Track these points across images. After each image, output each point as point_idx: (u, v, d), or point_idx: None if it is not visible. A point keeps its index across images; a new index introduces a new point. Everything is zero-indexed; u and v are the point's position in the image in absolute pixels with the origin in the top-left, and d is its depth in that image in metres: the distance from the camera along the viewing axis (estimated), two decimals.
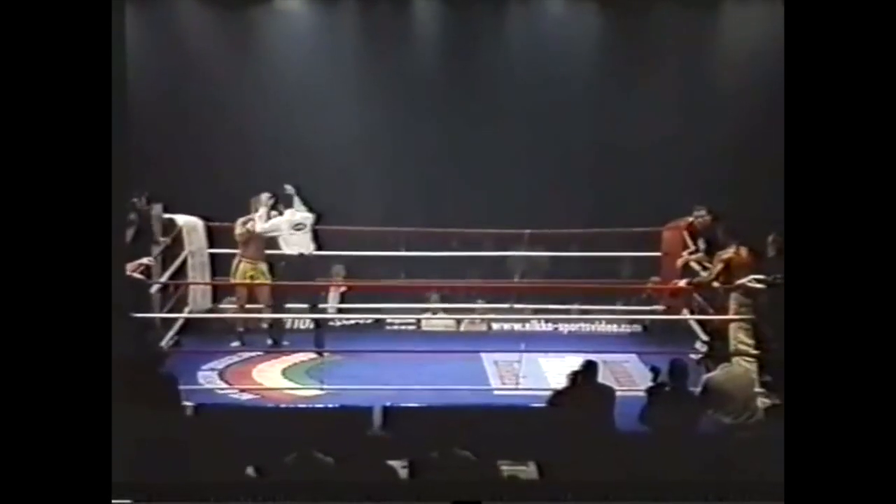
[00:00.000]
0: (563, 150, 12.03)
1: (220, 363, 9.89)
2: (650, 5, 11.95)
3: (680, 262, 10.32)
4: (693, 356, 8.67)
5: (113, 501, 4.30)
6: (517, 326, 11.51)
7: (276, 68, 12.06)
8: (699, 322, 9.95)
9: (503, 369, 9.76)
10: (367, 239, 11.53)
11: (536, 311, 11.58)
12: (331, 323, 11.57)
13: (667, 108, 11.80)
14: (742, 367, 7.95)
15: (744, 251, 9.23)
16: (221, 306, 11.11)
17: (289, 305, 11.00)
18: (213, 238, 11.00)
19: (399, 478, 5.46)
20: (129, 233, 10.07)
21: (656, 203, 11.14)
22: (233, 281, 10.49)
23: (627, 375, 9.47)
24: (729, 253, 9.22)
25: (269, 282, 10.52)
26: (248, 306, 10.57)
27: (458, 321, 11.65)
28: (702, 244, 10.28)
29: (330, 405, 8.36)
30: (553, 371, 9.35)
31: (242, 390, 9.22)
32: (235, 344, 10.42)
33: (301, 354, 10.17)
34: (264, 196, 10.35)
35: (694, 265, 10.14)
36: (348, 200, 11.58)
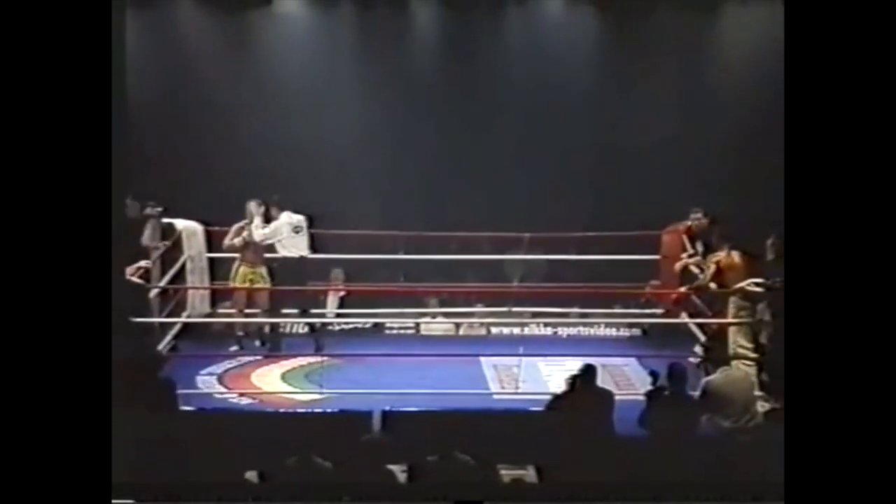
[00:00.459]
0: (563, 152, 12.03)
1: (219, 367, 9.88)
2: (649, 7, 11.95)
3: (678, 265, 10.33)
4: (692, 360, 8.66)
5: (113, 502, 4.30)
6: (516, 330, 11.50)
7: (274, 71, 12.07)
8: (698, 325, 9.95)
9: (502, 373, 9.75)
10: (366, 242, 11.52)
11: (535, 315, 11.58)
12: (330, 327, 11.58)
13: (666, 111, 11.80)
14: (741, 370, 7.95)
15: (735, 254, 9.24)
16: (220, 311, 11.11)
17: (287, 311, 10.99)
18: (212, 243, 10.99)
19: (398, 482, 5.46)
20: (148, 233, 10.20)
21: (656, 206, 11.13)
22: (232, 285, 10.48)
23: (626, 379, 9.47)
24: (720, 256, 9.24)
25: (267, 286, 10.51)
26: (247, 311, 10.57)
27: (457, 325, 11.65)
28: (700, 247, 10.28)
29: (329, 409, 8.35)
30: (552, 375, 9.35)
31: (241, 394, 9.21)
32: (234, 348, 10.42)
33: (300, 358, 10.16)
34: (253, 204, 10.33)
35: (693, 269, 10.15)
36: (347, 203, 11.58)
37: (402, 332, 11.57)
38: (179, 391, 7.51)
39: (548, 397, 7.51)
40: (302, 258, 10.35)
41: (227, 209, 10.75)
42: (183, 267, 10.70)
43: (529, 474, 5.85)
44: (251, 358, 10.22)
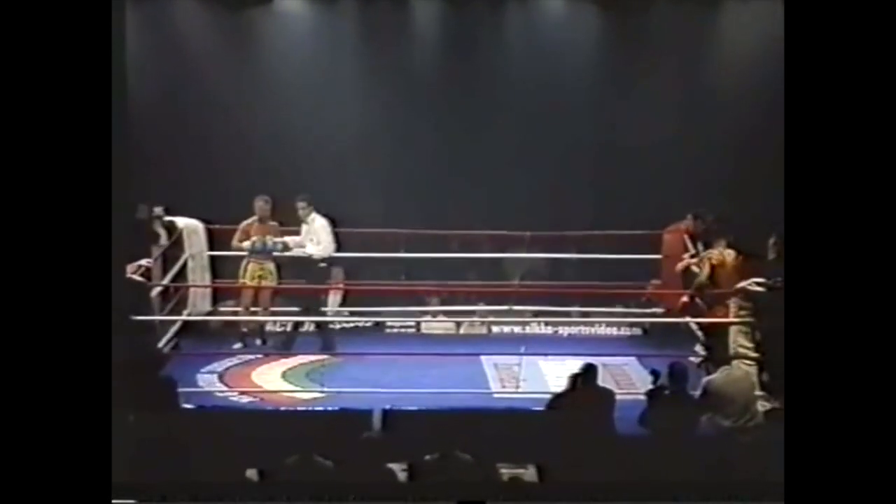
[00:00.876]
0: (564, 151, 12.03)
1: (220, 365, 9.88)
2: (650, 6, 11.95)
3: (680, 265, 10.32)
4: (693, 359, 8.66)
5: (113, 502, 4.30)
6: (517, 329, 11.50)
7: (275, 69, 12.07)
8: (699, 325, 9.94)
9: (503, 372, 9.75)
10: (367, 241, 11.53)
11: (536, 314, 11.58)
12: (330, 326, 11.58)
13: (667, 110, 11.80)
14: (742, 370, 7.94)
15: (728, 252, 9.25)
16: (221, 309, 11.12)
17: (288, 308, 11.00)
18: (213, 241, 10.99)
19: (398, 480, 5.46)
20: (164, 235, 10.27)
21: (657, 205, 11.13)
22: (240, 282, 10.48)
23: (627, 378, 9.47)
24: (714, 254, 9.24)
25: (275, 283, 10.53)
26: (252, 308, 10.58)
27: (458, 324, 11.65)
28: (701, 247, 10.28)
29: (330, 408, 8.35)
30: (553, 374, 9.35)
31: (242, 393, 9.21)
32: (237, 346, 10.41)
33: (301, 357, 10.16)
34: (260, 201, 10.35)
35: (695, 269, 10.13)
36: (348, 201, 11.57)
37: (402, 330, 11.56)
38: (180, 389, 7.53)
39: (548, 396, 7.51)
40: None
41: (228, 207, 10.76)
42: (184, 265, 10.71)
43: (530, 473, 5.85)
44: (252, 356, 10.22)
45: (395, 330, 11.39)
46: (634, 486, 5.17)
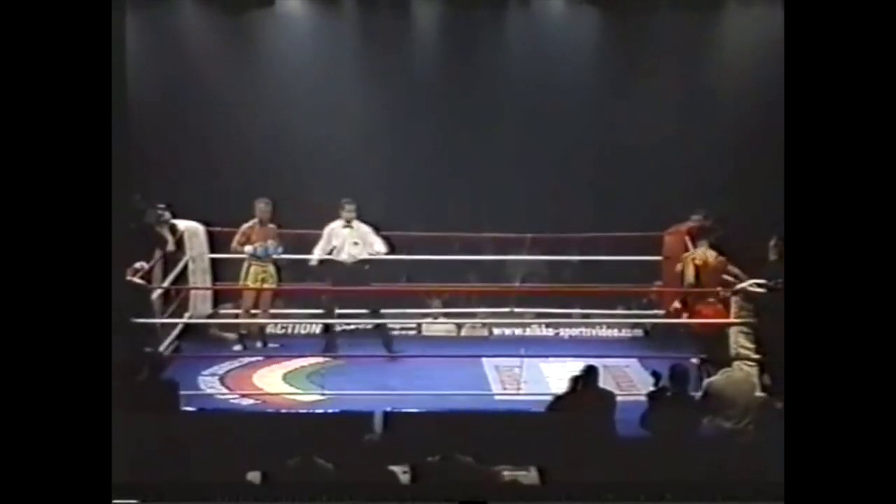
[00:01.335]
0: (565, 152, 12.03)
1: (221, 368, 9.87)
2: (650, 7, 11.95)
3: (680, 266, 10.31)
4: (694, 360, 8.66)
5: (114, 502, 4.31)
6: (518, 331, 11.50)
7: (276, 71, 12.08)
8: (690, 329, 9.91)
9: (504, 374, 9.74)
10: None
11: (537, 316, 11.58)
12: (332, 328, 11.58)
13: (668, 111, 11.81)
14: (743, 371, 7.94)
15: (710, 253, 9.25)
16: (221, 311, 11.11)
17: (290, 311, 10.99)
18: (213, 243, 10.99)
19: (400, 482, 5.46)
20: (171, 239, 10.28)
21: (658, 207, 11.13)
22: (242, 284, 10.48)
23: (628, 380, 9.46)
24: (697, 255, 9.23)
25: (276, 285, 10.52)
26: (253, 311, 10.58)
27: (459, 326, 11.64)
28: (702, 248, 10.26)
29: (331, 410, 8.35)
30: (554, 376, 9.34)
31: (243, 395, 9.20)
32: (237, 348, 10.42)
33: (302, 359, 10.16)
34: (261, 203, 10.36)
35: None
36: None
37: (404, 332, 11.55)
38: (181, 392, 7.53)
39: (549, 398, 7.51)
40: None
41: (228, 209, 10.76)
42: (185, 268, 10.70)
43: (531, 475, 5.85)
44: (253, 358, 10.22)
45: (397, 332, 11.37)
46: (635, 487, 5.17)
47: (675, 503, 5.05)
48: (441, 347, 10.47)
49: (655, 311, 11.28)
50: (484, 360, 10.11)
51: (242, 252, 10.40)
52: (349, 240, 10.28)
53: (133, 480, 4.86)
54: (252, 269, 10.43)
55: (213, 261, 11.02)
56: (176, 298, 10.42)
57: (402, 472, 5.58)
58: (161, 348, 9.22)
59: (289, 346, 10.71)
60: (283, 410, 8.67)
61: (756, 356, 8.46)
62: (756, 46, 11.32)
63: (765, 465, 5.01)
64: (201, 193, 11.32)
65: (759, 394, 7.97)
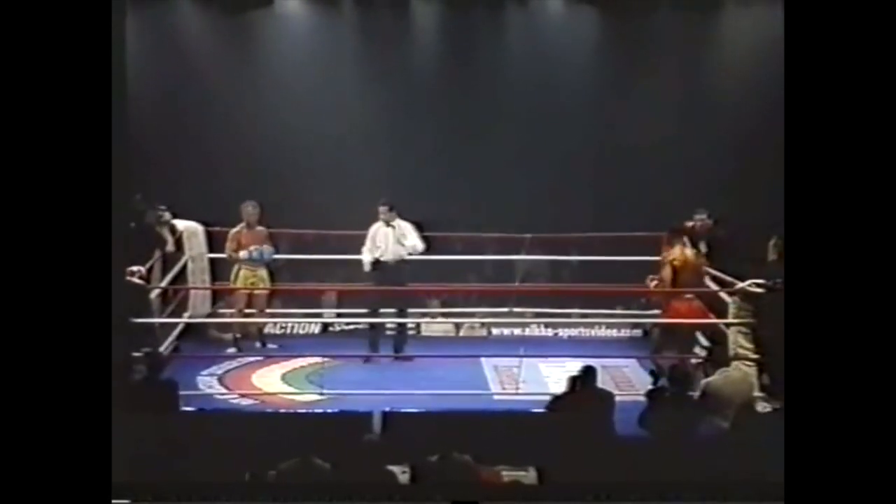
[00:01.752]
0: (564, 153, 12.03)
1: (220, 368, 9.88)
2: (650, 7, 11.95)
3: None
4: (693, 360, 8.66)
5: (113, 502, 4.30)
6: (517, 331, 11.50)
7: (276, 72, 12.07)
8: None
9: (503, 374, 9.75)
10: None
11: (536, 316, 11.58)
12: (330, 328, 11.60)
13: (668, 111, 11.81)
14: (741, 371, 7.95)
15: (689, 251, 9.26)
16: (220, 311, 11.11)
17: (289, 311, 10.99)
18: (213, 243, 10.99)
19: (399, 482, 5.46)
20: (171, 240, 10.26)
21: (657, 207, 11.13)
22: (231, 285, 10.49)
23: (627, 380, 9.47)
24: (675, 254, 9.23)
25: (268, 288, 10.54)
26: (246, 311, 10.58)
27: (458, 326, 11.64)
28: (703, 248, 10.27)
29: (329, 410, 8.35)
30: (553, 376, 9.35)
31: (242, 395, 9.20)
32: (232, 350, 10.40)
33: (301, 359, 10.16)
34: (249, 206, 10.33)
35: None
36: (348, 204, 11.56)
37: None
38: (180, 392, 7.53)
39: (548, 398, 7.51)
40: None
41: (227, 209, 10.76)
42: (184, 267, 10.70)
43: (530, 475, 5.85)
44: (252, 359, 10.22)
45: (397, 332, 11.35)
46: (634, 488, 5.17)
47: (675, 503, 5.05)
48: (440, 347, 10.48)
49: (654, 311, 11.28)
50: (483, 359, 10.12)
51: (237, 258, 10.35)
52: (392, 239, 10.23)
53: (132, 480, 4.86)
54: (242, 273, 10.41)
55: (212, 261, 11.02)
56: (175, 298, 10.42)
57: (401, 472, 5.58)
58: (160, 348, 9.22)
59: (287, 346, 10.70)
60: (282, 410, 8.67)
61: (755, 356, 8.47)
62: (756, 46, 11.33)
63: (765, 466, 5.00)
64: (201, 193, 11.32)
65: (757, 393, 7.99)
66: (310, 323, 11.51)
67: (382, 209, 10.21)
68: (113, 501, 4.30)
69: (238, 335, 10.58)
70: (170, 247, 10.38)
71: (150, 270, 9.87)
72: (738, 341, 8.70)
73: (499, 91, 12.12)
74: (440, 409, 7.91)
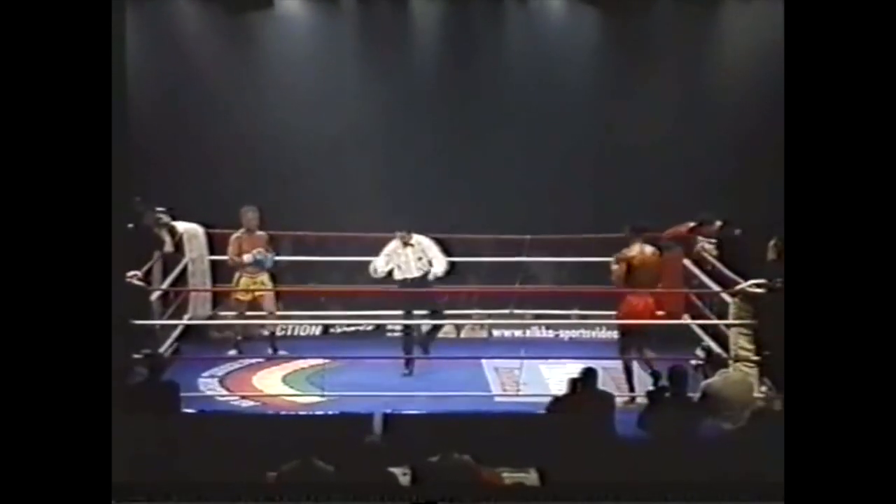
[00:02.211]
0: (564, 153, 12.02)
1: (221, 370, 9.87)
2: (650, 7, 11.95)
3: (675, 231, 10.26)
4: (693, 362, 8.65)
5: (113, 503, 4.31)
6: (517, 333, 11.49)
7: (276, 72, 12.06)
8: (703, 328, 9.91)
9: (504, 376, 9.74)
10: (368, 244, 11.52)
11: (537, 318, 11.56)
12: (331, 330, 11.59)
13: (668, 111, 11.79)
14: (740, 372, 7.95)
15: (648, 249, 9.25)
16: (221, 313, 11.10)
17: (291, 312, 10.99)
18: (213, 245, 10.98)
19: (400, 484, 5.46)
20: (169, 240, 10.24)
21: (659, 207, 11.11)
22: (232, 289, 10.43)
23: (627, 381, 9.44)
24: (633, 251, 9.22)
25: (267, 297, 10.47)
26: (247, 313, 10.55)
27: (458, 327, 11.62)
28: (711, 248, 10.26)
29: (330, 412, 8.34)
30: (554, 378, 9.34)
31: (243, 397, 9.20)
32: (232, 353, 10.35)
33: (301, 361, 10.15)
34: (249, 212, 10.26)
35: (706, 255, 10.11)
36: (348, 205, 11.57)
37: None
38: (181, 394, 7.53)
39: (549, 400, 7.50)
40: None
41: (228, 211, 10.75)
42: (184, 269, 10.69)
43: (531, 476, 5.85)
44: (252, 360, 10.21)
45: (396, 334, 11.36)
46: (635, 488, 5.17)
47: (675, 501, 5.05)
48: (440, 349, 10.46)
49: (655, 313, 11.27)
50: (483, 361, 10.10)
51: (239, 262, 10.27)
52: (413, 257, 10.10)
53: (133, 482, 4.86)
54: (242, 280, 10.33)
55: (212, 263, 11.01)
56: (175, 300, 10.41)
57: (402, 474, 5.58)
58: (161, 350, 9.21)
59: (288, 348, 10.68)
60: (283, 412, 8.67)
61: (755, 357, 8.47)
62: (756, 46, 11.32)
63: (764, 466, 5.00)
64: (201, 195, 11.31)
65: (757, 394, 7.98)
66: (311, 324, 11.48)
67: (400, 234, 10.05)
68: (113, 502, 4.30)
69: (239, 337, 10.52)
70: (168, 248, 10.33)
71: (149, 272, 9.85)
72: (738, 342, 8.69)
73: (499, 91, 12.10)
74: (441, 411, 7.91)
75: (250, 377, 9.78)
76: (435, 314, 10.32)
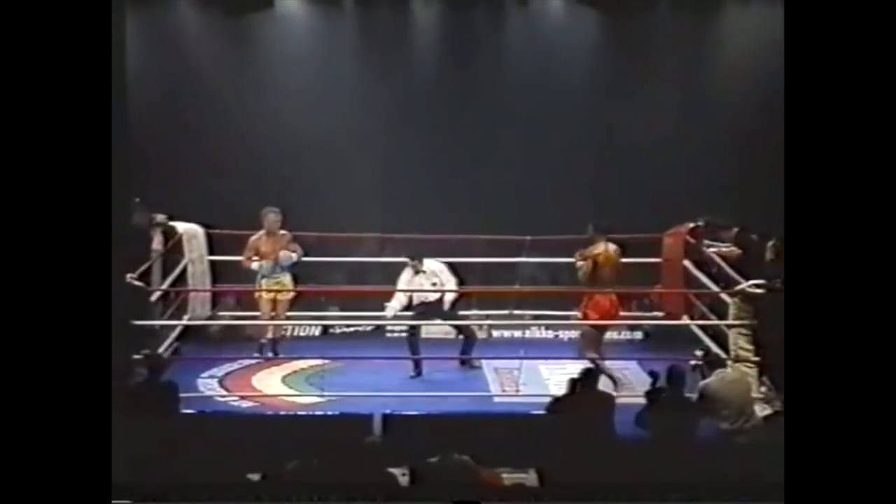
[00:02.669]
0: (565, 155, 12.02)
1: (220, 370, 9.87)
2: (650, 7, 11.96)
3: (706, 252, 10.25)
4: (692, 363, 8.66)
5: (112, 503, 4.31)
6: (517, 333, 11.49)
7: (277, 74, 12.07)
8: (702, 329, 9.92)
9: (503, 376, 9.75)
10: (367, 245, 11.55)
11: (536, 318, 11.56)
12: (331, 330, 11.59)
13: (668, 112, 11.80)
14: (737, 371, 7.95)
15: (612, 247, 9.29)
16: (220, 313, 11.10)
17: (291, 313, 10.98)
18: (213, 245, 10.98)
19: (399, 485, 5.46)
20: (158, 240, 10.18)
21: (659, 208, 11.12)
22: (256, 297, 10.26)
23: (627, 382, 9.45)
24: (599, 249, 9.25)
25: (288, 298, 10.32)
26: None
27: (458, 328, 11.61)
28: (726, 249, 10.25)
29: (330, 412, 8.35)
30: (553, 378, 9.35)
31: (242, 397, 9.20)
32: (255, 355, 10.23)
33: (300, 362, 10.15)
34: (271, 214, 10.14)
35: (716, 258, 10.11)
36: (348, 206, 11.57)
37: (403, 335, 11.53)
38: (181, 394, 7.53)
39: (548, 400, 7.51)
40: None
41: (227, 211, 10.75)
42: (184, 270, 10.68)
43: (531, 477, 5.85)
44: (252, 361, 10.20)
45: (396, 334, 11.36)
46: (635, 489, 5.17)
47: (675, 501, 5.06)
48: (440, 349, 10.47)
49: (655, 314, 11.29)
50: (483, 362, 10.10)
51: (252, 267, 10.10)
52: (426, 284, 10.15)
53: (133, 482, 4.86)
54: (264, 282, 10.11)
55: (212, 263, 11.01)
56: (175, 300, 10.41)
57: (401, 475, 5.58)
58: (160, 350, 9.21)
59: (288, 349, 10.67)
60: (282, 412, 8.67)
61: (755, 358, 8.47)
62: (756, 46, 11.32)
63: (764, 466, 5.01)
64: (201, 195, 11.31)
65: (755, 394, 7.98)
66: (311, 325, 11.49)
67: (412, 263, 10.11)
68: (113, 502, 4.30)
69: (263, 341, 10.25)
70: (155, 246, 10.22)
71: (149, 272, 9.83)
72: (738, 343, 8.70)
73: (500, 91, 12.11)
74: (440, 412, 7.91)
75: (250, 378, 9.78)
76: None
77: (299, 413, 8.63)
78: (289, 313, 10.73)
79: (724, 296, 9.31)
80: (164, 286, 10.21)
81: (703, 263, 10.27)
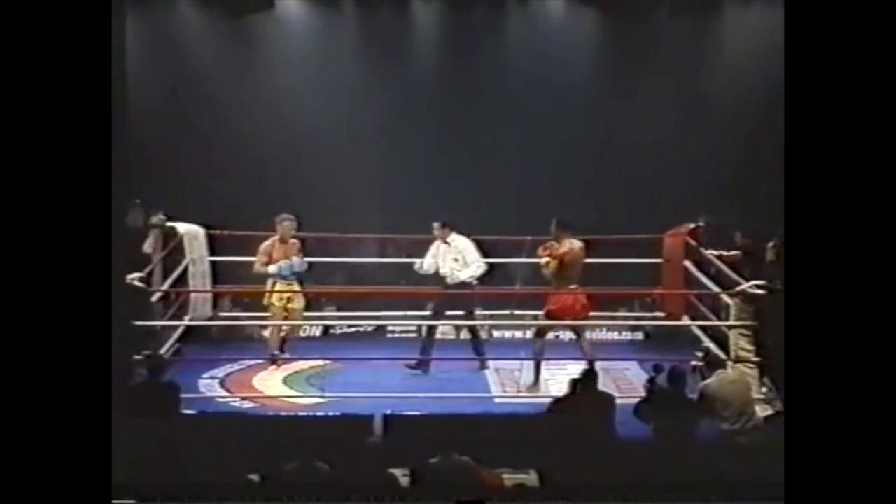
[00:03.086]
0: (565, 155, 12.03)
1: (221, 371, 9.87)
2: (650, 8, 11.96)
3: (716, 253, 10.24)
4: (693, 363, 8.66)
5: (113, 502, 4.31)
6: (518, 334, 11.48)
7: (277, 74, 12.08)
8: (702, 330, 9.92)
9: (504, 377, 9.74)
10: (368, 245, 11.55)
11: (536, 318, 11.55)
12: (331, 331, 11.59)
13: (669, 113, 11.81)
14: (737, 372, 7.95)
15: (576, 243, 9.30)
16: (222, 314, 11.10)
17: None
18: (213, 246, 10.98)
19: (400, 485, 5.46)
20: (150, 241, 10.15)
21: (659, 208, 11.13)
22: (267, 302, 10.22)
23: (628, 382, 9.45)
24: (565, 247, 9.26)
25: (300, 304, 10.22)
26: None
27: (459, 329, 11.62)
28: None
29: (331, 413, 8.34)
30: (554, 379, 9.34)
31: (243, 398, 9.19)
32: (277, 353, 10.18)
33: (301, 363, 10.14)
34: (286, 221, 10.08)
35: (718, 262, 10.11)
36: (349, 206, 11.58)
37: (403, 335, 11.55)
38: (182, 395, 7.53)
39: (549, 401, 7.50)
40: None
41: (228, 212, 10.75)
42: (185, 270, 10.68)
43: (531, 478, 5.85)
44: (253, 362, 10.19)
45: (396, 335, 11.37)
46: (635, 489, 5.17)
47: (675, 501, 5.06)
48: (440, 350, 10.46)
49: (656, 314, 11.29)
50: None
51: (267, 274, 10.03)
52: (448, 256, 10.07)
53: (133, 482, 4.86)
54: (277, 285, 10.04)
55: (213, 264, 11.00)
56: (176, 301, 10.40)
57: (402, 475, 5.58)
58: (161, 351, 9.21)
59: (288, 349, 10.66)
60: (284, 413, 8.66)
61: (756, 358, 8.47)
62: (756, 47, 11.34)
63: (765, 466, 5.01)
64: (201, 195, 11.32)
65: (755, 394, 7.98)
66: (311, 325, 11.49)
67: (436, 226, 10.05)
68: (113, 502, 4.31)
69: (276, 351, 10.14)
70: (147, 248, 10.17)
71: (150, 273, 9.83)
72: (738, 343, 8.69)
73: (499, 92, 12.12)
74: (441, 412, 7.91)
75: (251, 378, 9.78)
76: (469, 315, 10.30)
77: (300, 414, 8.62)
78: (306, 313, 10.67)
79: (724, 296, 9.30)
80: (165, 287, 10.20)
81: (704, 263, 10.27)
